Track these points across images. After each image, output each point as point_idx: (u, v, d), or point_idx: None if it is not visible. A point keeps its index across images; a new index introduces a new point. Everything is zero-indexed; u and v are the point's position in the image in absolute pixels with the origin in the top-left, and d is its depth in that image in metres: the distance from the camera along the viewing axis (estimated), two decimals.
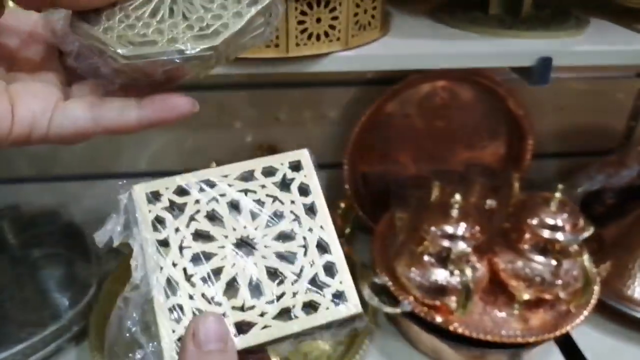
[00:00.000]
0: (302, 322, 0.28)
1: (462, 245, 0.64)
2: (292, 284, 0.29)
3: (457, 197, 0.65)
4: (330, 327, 0.29)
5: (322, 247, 0.30)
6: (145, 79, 0.29)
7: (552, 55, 0.55)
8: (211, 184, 0.31)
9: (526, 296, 0.69)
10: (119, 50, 0.27)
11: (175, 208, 0.31)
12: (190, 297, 0.28)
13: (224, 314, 0.28)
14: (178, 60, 0.27)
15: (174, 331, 0.27)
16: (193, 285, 0.29)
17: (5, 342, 0.63)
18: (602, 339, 0.73)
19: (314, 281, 0.30)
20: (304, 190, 0.32)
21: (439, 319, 0.65)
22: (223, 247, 0.30)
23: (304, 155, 0.33)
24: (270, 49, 0.50)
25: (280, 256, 0.30)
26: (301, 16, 0.49)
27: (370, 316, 0.71)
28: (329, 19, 0.50)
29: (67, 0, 0.27)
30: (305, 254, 0.30)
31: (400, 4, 0.68)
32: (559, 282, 0.66)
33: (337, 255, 0.30)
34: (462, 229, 0.65)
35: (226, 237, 0.30)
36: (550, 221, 0.66)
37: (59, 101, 0.29)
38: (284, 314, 0.29)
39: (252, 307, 0.28)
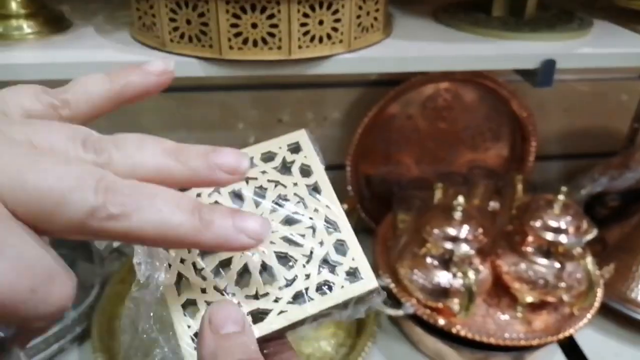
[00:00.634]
0: (317, 303, 0.28)
1: (465, 248, 0.64)
2: (304, 266, 0.29)
3: (460, 199, 0.65)
4: (348, 305, 0.29)
5: (330, 226, 0.30)
6: None
7: (555, 57, 0.55)
8: None
9: (529, 299, 0.69)
10: None
11: None
12: (203, 291, 0.28)
13: (238, 304, 0.28)
14: None
15: (189, 326, 0.27)
16: (204, 278, 0.28)
17: None
18: (605, 341, 0.73)
19: (325, 261, 0.29)
20: (305, 171, 0.31)
21: (441, 321, 0.65)
22: None
23: (302, 136, 0.32)
24: (272, 51, 0.50)
25: (289, 240, 0.29)
26: (304, 18, 0.49)
27: (372, 318, 0.71)
28: (331, 21, 0.50)
29: None
30: (313, 234, 0.30)
31: (402, 6, 0.68)
32: (562, 284, 0.66)
33: (346, 232, 0.30)
34: (465, 231, 0.65)
35: None
36: (553, 223, 0.65)
37: None
38: (299, 297, 0.28)
39: (266, 294, 0.28)
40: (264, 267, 0.29)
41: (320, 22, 0.50)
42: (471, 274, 0.62)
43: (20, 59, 0.51)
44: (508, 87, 0.78)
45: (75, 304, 0.70)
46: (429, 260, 0.66)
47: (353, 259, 0.29)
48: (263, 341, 0.27)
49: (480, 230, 0.65)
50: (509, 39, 0.58)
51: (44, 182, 0.19)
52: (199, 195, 0.30)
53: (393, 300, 0.69)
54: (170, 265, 0.28)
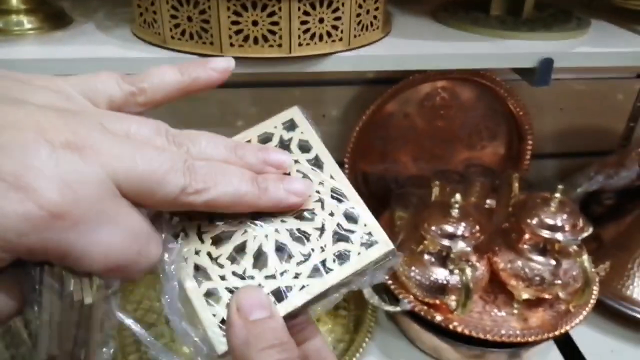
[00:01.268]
0: (337, 273, 0.28)
1: (462, 245, 0.64)
2: (318, 239, 0.29)
3: (458, 196, 0.66)
4: (366, 271, 0.29)
5: (338, 196, 0.30)
6: None
7: (553, 56, 0.55)
8: None
9: (526, 296, 0.69)
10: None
11: None
12: (222, 278, 0.28)
13: (259, 286, 0.28)
14: None
15: (214, 315, 0.27)
16: (221, 266, 0.28)
17: None
18: (600, 338, 0.74)
19: (338, 231, 0.29)
20: (304, 147, 0.32)
21: (438, 317, 0.66)
22: (241, 222, 0.29)
23: (295, 113, 0.33)
24: (273, 49, 0.50)
25: (300, 216, 0.30)
26: (304, 16, 0.49)
27: (370, 314, 0.71)
28: (331, 19, 0.51)
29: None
30: (322, 207, 0.30)
31: (401, 5, 0.68)
32: (559, 281, 0.66)
33: (354, 199, 0.30)
34: (462, 228, 0.65)
35: (241, 212, 0.30)
36: (549, 221, 0.66)
37: None
38: (318, 270, 0.28)
39: (285, 272, 0.28)
40: (279, 246, 0.29)
41: (321, 20, 0.50)
42: (468, 271, 0.63)
43: (21, 55, 0.51)
44: (505, 86, 0.79)
45: None
46: (426, 257, 0.66)
47: (365, 225, 0.29)
48: (287, 318, 0.27)
49: (477, 227, 0.66)
50: (507, 38, 0.58)
51: (149, 166, 0.24)
52: None
53: (391, 297, 0.69)
54: (186, 259, 0.29)
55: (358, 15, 0.52)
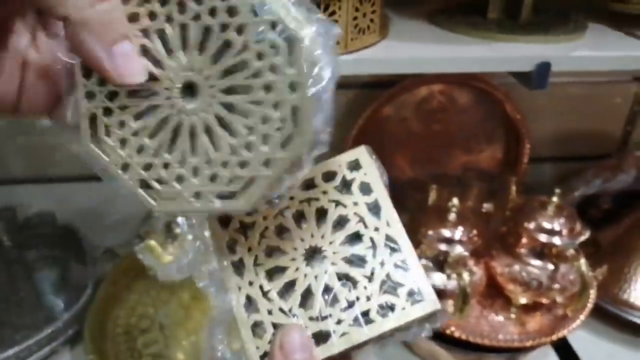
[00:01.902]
0: (379, 325, 0.28)
1: (459, 249, 0.64)
2: (365, 287, 0.29)
3: (455, 200, 0.65)
4: (411, 326, 0.29)
5: (391, 245, 0.30)
6: None
7: (551, 60, 0.55)
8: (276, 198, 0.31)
9: (523, 300, 0.69)
10: (150, 201, 0.27)
11: (245, 228, 0.31)
12: (269, 313, 0.29)
13: (303, 326, 0.28)
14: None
15: (258, 347, 0.28)
16: (270, 300, 0.29)
17: (0, 344, 0.63)
18: (598, 342, 0.73)
19: (386, 282, 0.29)
20: (365, 189, 0.31)
21: None
22: (294, 259, 0.30)
23: (362, 153, 0.32)
24: None
25: (350, 261, 0.30)
26: None
27: None
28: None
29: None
30: (374, 255, 0.30)
31: (398, 8, 0.68)
32: (556, 286, 0.66)
33: (407, 251, 0.30)
34: (459, 232, 0.65)
35: (295, 249, 0.30)
36: (547, 225, 0.66)
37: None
38: (360, 319, 0.28)
39: (329, 316, 0.28)
40: (326, 289, 0.29)
41: None
42: (466, 276, 0.62)
43: None
44: (502, 90, 0.79)
45: (68, 306, 0.70)
46: (423, 261, 0.66)
47: (414, 280, 0.29)
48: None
49: (475, 232, 0.66)
50: (504, 42, 0.58)
51: None
52: (265, 218, 0.31)
53: None
54: (240, 288, 0.29)
55: (355, 18, 0.52)
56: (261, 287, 0.29)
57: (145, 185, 0.26)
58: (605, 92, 0.87)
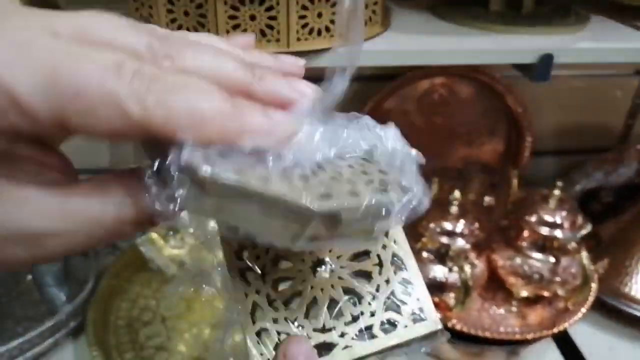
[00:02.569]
0: (381, 341, 0.29)
1: (460, 242, 0.64)
2: (369, 303, 0.29)
3: (457, 193, 0.65)
4: (411, 343, 0.29)
5: (397, 263, 0.30)
6: None
7: (553, 52, 0.55)
8: None
9: (524, 293, 0.69)
10: None
11: None
12: (275, 321, 0.29)
13: (306, 336, 0.29)
14: None
15: (262, 354, 0.28)
16: (276, 309, 0.29)
17: (2, 336, 0.63)
18: (599, 336, 0.73)
19: (391, 299, 0.30)
20: None
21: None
22: (301, 270, 0.30)
23: None
24: (270, 44, 0.50)
25: (356, 276, 0.30)
26: (302, 11, 0.49)
27: None
28: (330, 14, 0.50)
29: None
30: (380, 272, 0.30)
31: (400, 0, 0.68)
32: (557, 279, 0.66)
33: (412, 270, 0.30)
34: (461, 225, 0.65)
35: (303, 260, 0.30)
36: (548, 218, 0.66)
37: None
38: (363, 333, 0.29)
39: (333, 329, 0.29)
40: (332, 302, 0.30)
41: (319, 15, 0.49)
42: (467, 268, 0.62)
43: None
44: (504, 83, 0.79)
45: (70, 298, 0.70)
46: (425, 254, 0.66)
47: (418, 299, 0.30)
48: None
49: (476, 224, 0.66)
50: (506, 34, 0.58)
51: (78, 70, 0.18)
52: None
53: None
54: (247, 295, 0.29)
55: None
56: (267, 296, 0.30)
57: None
58: (607, 85, 0.87)
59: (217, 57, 0.22)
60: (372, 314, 0.29)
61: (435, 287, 0.65)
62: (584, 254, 0.64)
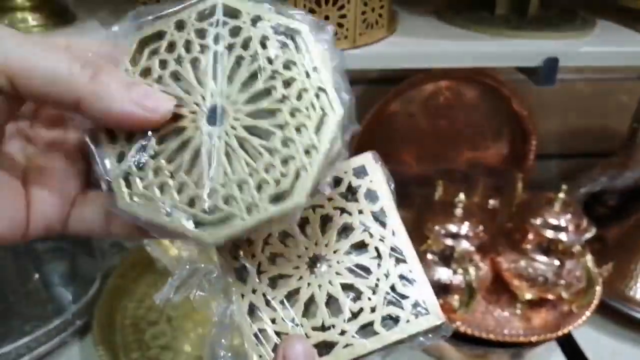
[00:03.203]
0: (383, 337, 0.28)
1: (465, 245, 0.64)
2: (369, 298, 0.28)
3: (461, 196, 0.66)
4: (415, 338, 0.28)
5: (396, 256, 0.29)
6: None
7: (558, 55, 0.55)
8: None
9: (529, 296, 0.69)
10: (198, 233, 0.25)
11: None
12: (272, 321, 0.28)
13: (305, 335, 0.28)
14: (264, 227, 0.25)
15: (260, 356, 0.28)
16: (273, 309, 0.28)
17: (10, 335, 0.63)
18: (603, 339, 0.73)
19: (391, 293, 0.29)
20: (371, 197, 0.30)
21: None
22: (297, 267, 0.29)
23: (367, 160, 0.31)
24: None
25: (354, 271, 0.29)
26: (309, 13, 0.49)
27: None
28: (337, 17, 0.50)
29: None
30: (379, 265, 0.29)
31: (406, 4, 0.68)
32: (562, 282, 0.66)
33: (412, 263, 0.29)
34: (465, 228, 0.65)
35: (299, 257, 0.29)
36: (553, 221, 0.66)
37: (74, 202, 0.28)
38: (364, 330, 0.28)
39: (332, 327, 0.28)
40: (330, 298, 0.29)
41: (326, 18, 0.50)
42: (472, 271, 0.62)
43: None
44: (509, 86, 0.79)
45: (76, 297, 0.71)
46: (429, 256, 0.66)
47: (419, 292, 0.29)
48: None
49: (481, 227, 0.66)
50: (512, 37, 0.58)
51: None
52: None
53: None
54: (243, 296, 0.29)
55: (363, 13, 0.52)
56: (264, 295, 0.29)
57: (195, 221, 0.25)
58: (612, 89, 0.87)
59: None
60: (373, 310, 0.28)
61: (440, 289, 0.65)
62: (589, 257, 0.65)
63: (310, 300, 0.29)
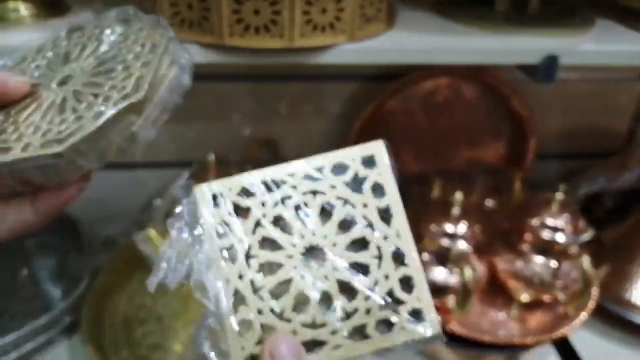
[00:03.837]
0: (375, 342, 0.27)
1: (462, 244, 0.63)
2: (366, 299, 0.27)
3: (458, 195, 0.65)
4: (408, 345, 0.27)
5: (398, 258, 0.28)
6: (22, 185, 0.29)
7: (558, 53, 0.54)
8: (277, 184, 0.29)
9: (525, 297, 0.68)
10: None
11: (239, 212, 0.28)
12: (259, 312, 0.27)
13: (293, 331, 0.26)
14: (31, 169, 0.27)
15: (243, 348, 0.26)
16: (261, 298, 0.27)
17: None
18: (599, 342, 0.73)
19: (388, 296, 0.27)
20: (378, 191, 0.29)
21: None
22: (291, 256, 0.28)
23: (378, 149, 0.30)
24: (274, 39, 0.49)
25: (352, 268, 0.28)
26: (307, 6, 0.48)
27: None
28: (334, 10, 0.49)
29: None
30: (379, 265, 0.28)
31: None
32: (558, 283, 0.66)
33: (414, 267, 0.28)
34: (462, 227, 0.64)
35: (294, 245, 0.28)
36: (550, 222, 0.65)
37: None
38: (357, 333, 0.27)
39: (323, 325, 0.27)
40: (323, 295, 0.27)
41: (324, 11, 0.49)
42: (468, 271, 0.62)
43: (16, 41, 0.49)
44: (508, 85, 0.78)
45: (65, 295, 0.69)
46: (425, 256, 0.65)
47: (418, 299, 0.27)
48: None
49: (478, 227, 0.65)
50: (511, 34, 0.57)
51: None
52: (263, 204, 0.28)
53: None
54: (228, 281, 0.27)
55: (361, 7, 0.51)
56: (252, 282, 0.27)
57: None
58: (611, 89, 0.87)
59: None
60: (368, 312, 0.27)
61: (435, 290, 0.64)
62: (586, 259, 0.64)
63: (302, 294, 0.27)
